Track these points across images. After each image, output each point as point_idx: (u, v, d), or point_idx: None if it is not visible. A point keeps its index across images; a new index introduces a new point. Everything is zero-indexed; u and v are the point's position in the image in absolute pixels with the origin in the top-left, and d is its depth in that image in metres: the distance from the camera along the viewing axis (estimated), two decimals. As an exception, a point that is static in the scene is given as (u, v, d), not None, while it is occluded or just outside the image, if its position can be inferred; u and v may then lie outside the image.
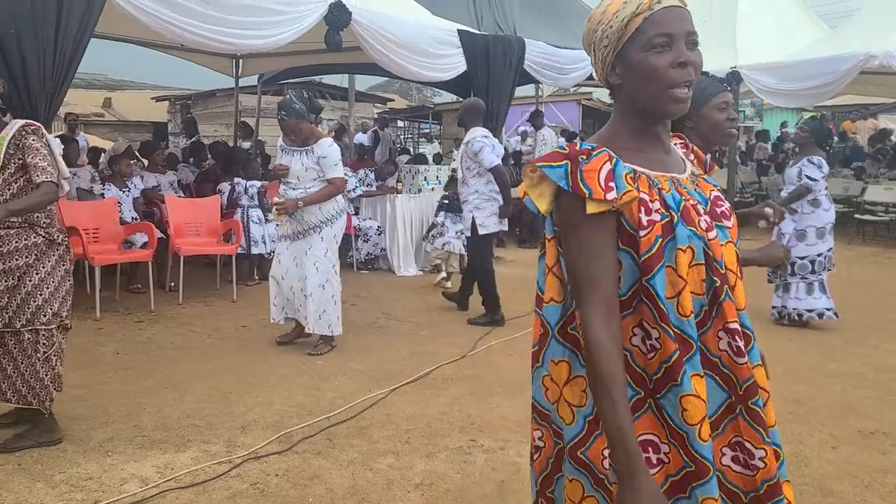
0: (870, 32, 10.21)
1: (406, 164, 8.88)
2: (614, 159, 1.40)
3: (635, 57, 1.41)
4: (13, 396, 3.33)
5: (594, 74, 1.51)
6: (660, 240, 1.37)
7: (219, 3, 5.97)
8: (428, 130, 29.60)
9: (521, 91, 11.62)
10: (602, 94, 26.91)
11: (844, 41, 10.53)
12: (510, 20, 9.21)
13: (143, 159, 8.94)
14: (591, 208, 1.36)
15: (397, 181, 8.11)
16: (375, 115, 20.71)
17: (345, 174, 5.17)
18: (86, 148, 10.08)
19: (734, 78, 11.69)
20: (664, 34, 1.39)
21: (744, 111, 18.58)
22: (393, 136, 19.55)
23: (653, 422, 1.41)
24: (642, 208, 1.38)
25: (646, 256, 1.37)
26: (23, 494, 2.89)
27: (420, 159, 9.42)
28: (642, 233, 1.37)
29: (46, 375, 3.32)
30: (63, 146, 5.61)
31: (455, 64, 8.15)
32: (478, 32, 8.40)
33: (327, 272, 4.82)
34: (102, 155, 9.18)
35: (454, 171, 7.12)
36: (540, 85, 14.22)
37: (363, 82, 21.44)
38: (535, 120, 11.59)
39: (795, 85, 10.69)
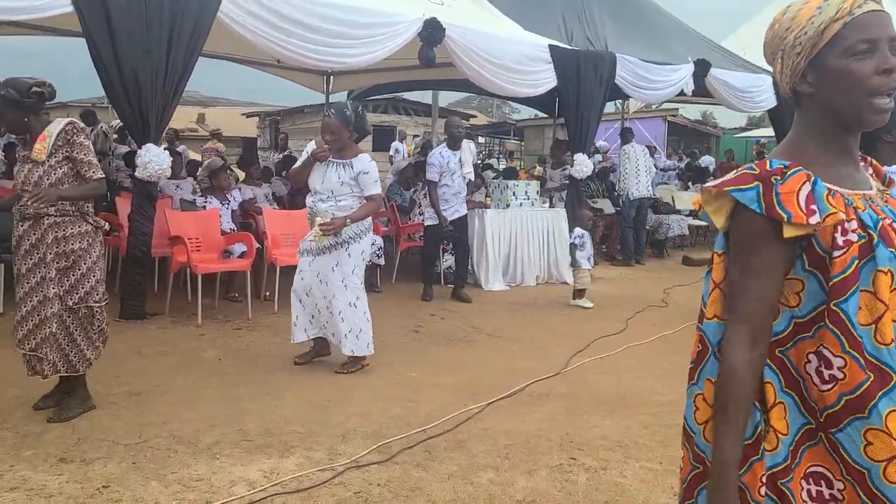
0: None
1: (494, 178, 8.88)
2: (812, 178, 1.32)
3: (834, 64, 1.34)
4: (63, 366, 3.67)
5: (783, 84, 1.42)
6: (856, 262, 1.29)
7: (318, 21, 6.18)
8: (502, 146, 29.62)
9: (605, 107, 11.49)
10: (688, 112, 26.36)
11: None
12: (601, 35, 9.14)
13: (239, 172, 9.26)
14: (789, 232, 1.30)
15: (486, 196, 8.10)
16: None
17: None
18: (187, 160, 10.50)
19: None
20: (867, 39, 1.32)
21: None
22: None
23: (824, 455, 1.33)
24: (838, 228, 1.30)
25: (838, 279, 1.29)
26: (139, 492, 3.00)
27: (510, 174, 9.39)
28: (836, 254, 1.29)
29: (96, 344, 3.77)
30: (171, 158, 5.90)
31: (546, 79, 8.15)
32: (569, 48, 8.37)
33: (357, 289, 4.64)
34: (200, 168, 9.57)
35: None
36: (625, 101, 14.06)
37: (444, 98, 21.66)
38: (625, 136, 11.41)
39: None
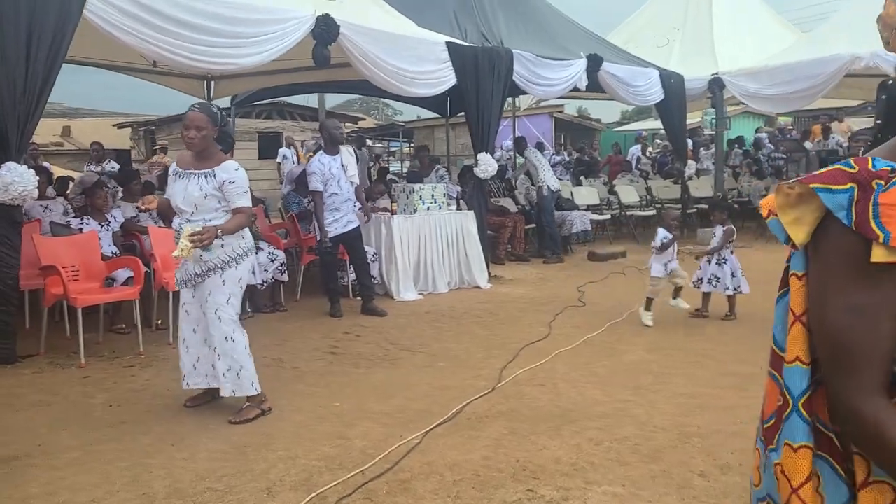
0: (851, 34, 10.16)
1: (398, 182, 8.52)
2: None
3: None
4: None
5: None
6: None
7: (202, 19, 5.61)
8: (397, 149, 29.29)
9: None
10: (572, 108, 26.92)
11: (825, 44, 10.47)
12: (495, 32, 8.96)
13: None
14: (878, 256, 1.00)
15: (392, 202, 7.73)
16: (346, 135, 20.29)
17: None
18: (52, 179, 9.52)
19: (717, 85, 11.60)
20: None
21: (711, 119, 18.58)
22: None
23: None
24: None
25: None
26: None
27: (414, 178, 9.04)
28: None
29: None
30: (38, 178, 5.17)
31: (445, 77, 7.86)
32: (466, 44, 8.11)
33: (232, 322, 4.01)
34: (71, 186, 8.66)
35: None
36: (516, 98, 14.05)
37: (328, 101, 21.05)
38: (519, 144, 11.33)
39: (781, 89, 10.61)
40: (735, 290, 6.17)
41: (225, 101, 12.14)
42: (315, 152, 12.40)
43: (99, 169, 9.86)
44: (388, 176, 12.35)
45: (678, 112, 11.64)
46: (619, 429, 3.80)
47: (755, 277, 6.21)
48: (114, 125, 25.52)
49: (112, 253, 6.28)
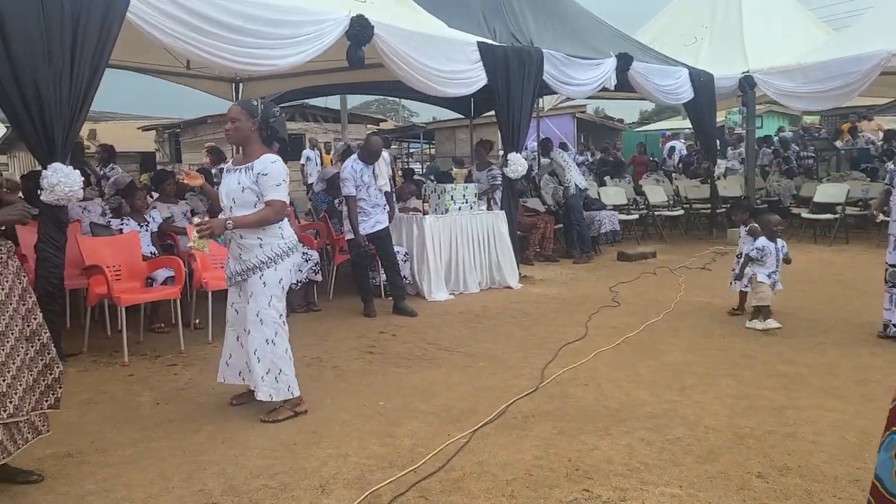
0: (886, 31, 10.03)
1: (431, 182, 8.52)
2: None
3: None
4: None
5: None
6: None
7: (240, 20, 5.65)
8: (416, 150, 29.35)
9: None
10: (590, 108, 26.77)
11: (860, 41, 10.33)
12: (524, 32, 8.92)
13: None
14: None
15: (423, 202, 7.72)
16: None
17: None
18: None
19: (748, 83, 11.48)
20: None
21: (735, 118, 18.43)
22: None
23: None
24: None
25: None
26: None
27: (444, 178, 9.04)
28: None
29: None
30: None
31: (476, 77, 7.86)
32: (497, 44, 8.10)
33: (275, 324, 3.99)
34: (106, 187, 8.74)
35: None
36: (541, 98, 13.99)
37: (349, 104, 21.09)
38: (545, 146, 11.26)
39: (815, 87, 10.47)
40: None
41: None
42: (342, 154, 12.45)
43: (101, 173, 9.84)
44: (415, 176, 12.37)
45: (708, 111, 11.53)
46: (670, 429, 3.77)
47: (791, 277, 6.13)
48: (139, 128, 25.79)
49: (151, 253, 6.33)
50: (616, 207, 11.61)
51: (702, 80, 10.99)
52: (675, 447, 3.54)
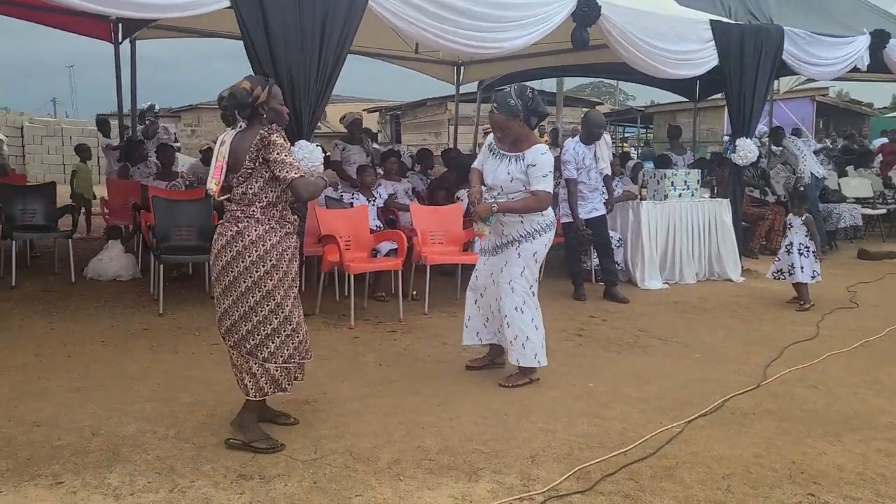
0: None
1: (651, 167, 8.27)
2: None
3: None
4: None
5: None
6: None
7: (470, 4, 5.84)
8: (632, 134, 28.47)
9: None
10: (841, 90, 24.28)
11: None
12: (763, 9, 8.30)
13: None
14: None
15: (641, 187, 7.52)
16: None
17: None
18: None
19: None
20: None
21: None
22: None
23: None
24: None
25: None
26: (325, 518, 2.74)
27: (664, 162, 8.75)
28: None
29: None
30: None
31: (707, 58, 7.49)
32: (732, 22, 7.63)
33: (524, 293, 4.19)
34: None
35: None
36: (776, 80, 12.96)
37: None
38: (775, 136, 10.45)
39: None
40: (812, 278, 6.23)
41: (472, 87, 12.61)
42: (551, 135, 12.40)
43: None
44: (630, 161, 12.05)
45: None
46: (915, 443, 3.39)
47: None
48: (364, 109, 27.54)
49: (376, 226, 6.79)
50: (859, 200, 10.51)
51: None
52: (921, 463, 3.19)
